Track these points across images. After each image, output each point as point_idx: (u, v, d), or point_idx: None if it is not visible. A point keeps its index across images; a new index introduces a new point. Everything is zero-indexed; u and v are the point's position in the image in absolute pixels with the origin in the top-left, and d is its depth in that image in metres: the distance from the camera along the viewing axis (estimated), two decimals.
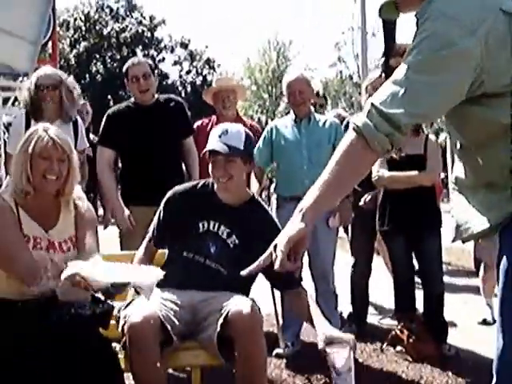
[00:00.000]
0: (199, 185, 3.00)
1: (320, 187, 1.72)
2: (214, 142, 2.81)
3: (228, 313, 2.51)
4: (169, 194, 3.00)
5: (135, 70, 4.07)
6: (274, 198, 4.51)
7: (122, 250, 3.80)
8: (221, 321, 2.51)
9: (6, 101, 8.51)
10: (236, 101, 4.75)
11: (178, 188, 3.02)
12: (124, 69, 4.21)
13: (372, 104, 1.69)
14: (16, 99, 7.81)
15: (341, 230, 4.88)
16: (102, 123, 4.12)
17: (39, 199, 2.59)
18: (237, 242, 2.83)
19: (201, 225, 2.86)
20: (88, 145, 4.43)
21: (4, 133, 8.64)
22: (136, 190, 3.79)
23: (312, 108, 4.43)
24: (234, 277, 2.30)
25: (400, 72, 1.69)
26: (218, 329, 2.50)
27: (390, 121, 1.66)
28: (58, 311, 2.41)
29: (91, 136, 5.65)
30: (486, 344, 4.35)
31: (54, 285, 2.48)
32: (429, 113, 1.73)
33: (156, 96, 4.19)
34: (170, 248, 2.95)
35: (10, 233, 2.50)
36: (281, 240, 1.70)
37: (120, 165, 4.23)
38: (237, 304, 2.54)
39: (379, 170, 4.27)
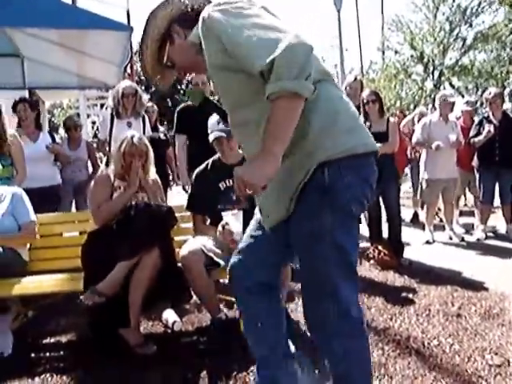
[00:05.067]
0: (209, 163, 2.99)
1: None
2: (216, 130, 2.84)
3: None
4: (195, 173, 3.01)
5: (196, 78, 3.94)
6: None
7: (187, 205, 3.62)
8: None
9: (102, 106, 8.67)
10: None
11: (199, 168, 3.01)
12: (188, 78, 4.09)
13: None
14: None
15: None
16: (175, 118, 4.02)
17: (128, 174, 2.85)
18: None
19: (220, 185, 2.87)
20: (151, 132, 4.40)
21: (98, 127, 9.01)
22: (199, 163, 3.62)
23: None
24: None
25: None
26: None
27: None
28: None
29: (160, 127, 5.69)
30: (429, 257, 4.45)
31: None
32: None
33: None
34: (207, 208, 2.91)
35: (101, 188, 2.86)
36: None
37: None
38: None
39: None
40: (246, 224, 2.43)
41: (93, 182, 2.92)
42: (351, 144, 1.40)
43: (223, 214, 2.73)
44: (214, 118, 2.92)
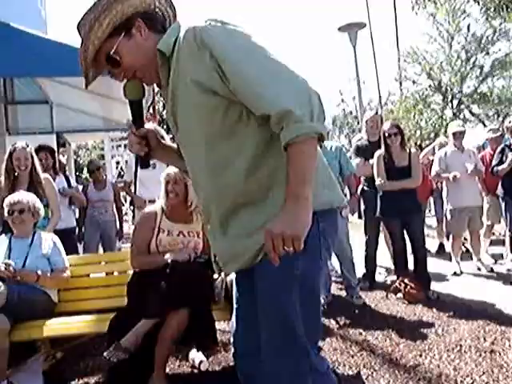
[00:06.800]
0: None
1: None
2: None
3: None
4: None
5: None
6: None
7: None
8: None
9: (125, 146, 8.98)
10: None
11: None
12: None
13: None
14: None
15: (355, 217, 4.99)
16: None
17: (175, 209, 2.85)
18: None
19: None
20: None
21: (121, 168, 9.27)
22: None
23: None
24: None
25: None
26: None
27: None
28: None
29: None
30: (457, 289, 4.34)
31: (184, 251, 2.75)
32: None
33: None
34: None
35: (143, 230, 2.83)
36: None
37: None
38: None
39: (381, 179, 4.24)
40: None
41: (138, 220, 2.96)
42: (329, 198, 1.38)
43: None
44: None
